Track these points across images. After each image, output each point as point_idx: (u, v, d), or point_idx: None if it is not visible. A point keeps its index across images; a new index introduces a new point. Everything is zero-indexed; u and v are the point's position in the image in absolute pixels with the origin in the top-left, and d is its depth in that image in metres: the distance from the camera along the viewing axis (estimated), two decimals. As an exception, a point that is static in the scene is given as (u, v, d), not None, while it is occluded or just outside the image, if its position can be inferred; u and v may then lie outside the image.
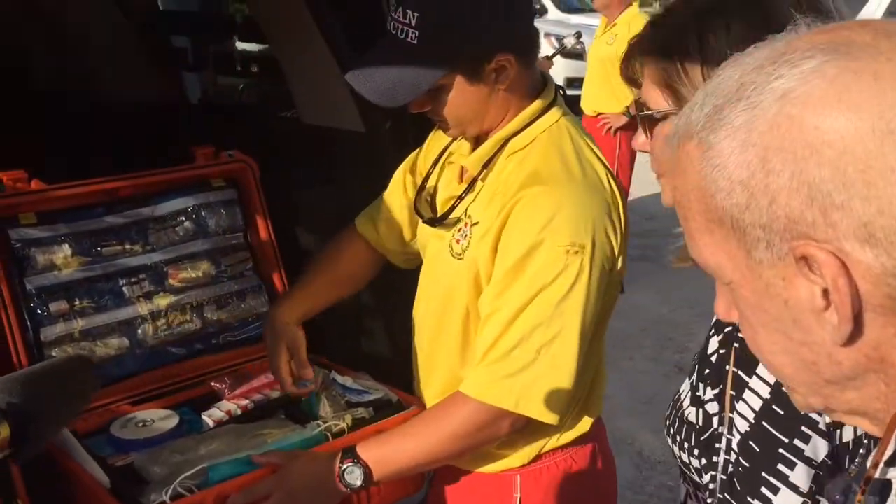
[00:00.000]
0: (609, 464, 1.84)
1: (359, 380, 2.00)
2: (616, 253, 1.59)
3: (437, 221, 1.69)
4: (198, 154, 2.23)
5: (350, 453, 1.60)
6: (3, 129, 2.22)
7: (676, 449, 1.26)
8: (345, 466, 1.59)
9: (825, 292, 0.68)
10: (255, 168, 2.24)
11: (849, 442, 1.05)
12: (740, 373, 1.11)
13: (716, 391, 1.16)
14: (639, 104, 1.21)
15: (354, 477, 1.58)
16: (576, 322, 1.53)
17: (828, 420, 1.04)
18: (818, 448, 1.06)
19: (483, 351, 1.58)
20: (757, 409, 1.08)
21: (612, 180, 1.63)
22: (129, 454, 1.77)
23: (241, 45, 2.97)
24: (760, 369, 1.09)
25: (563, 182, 1.55)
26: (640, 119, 1.22)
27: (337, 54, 2.14)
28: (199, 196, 2.20)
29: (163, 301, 2.11)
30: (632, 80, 1.25)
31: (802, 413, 1.04)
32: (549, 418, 1.55)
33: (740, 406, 1.10)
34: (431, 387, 1.80)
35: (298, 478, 1.61)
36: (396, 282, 2.30)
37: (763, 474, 1.08)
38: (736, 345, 1.14)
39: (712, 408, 1.16)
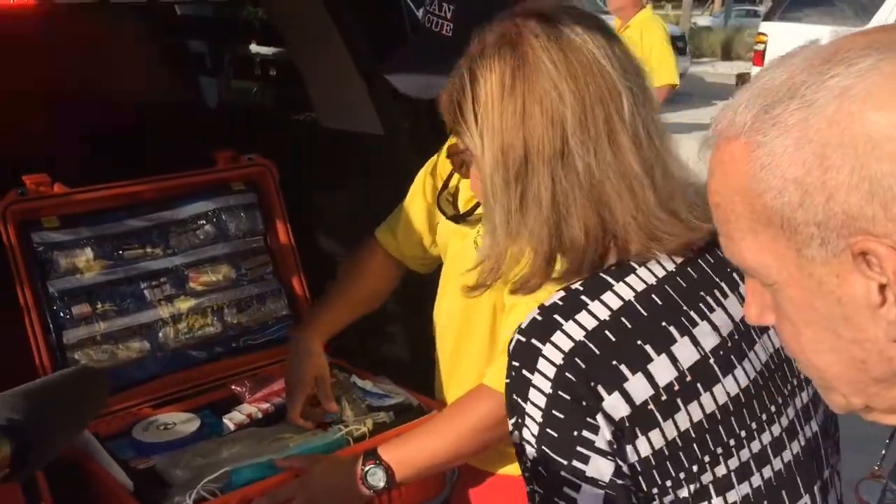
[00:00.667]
0: None
1: (379, 384, 2.00)
2: None
3: (461, 218, 1.69)
4: (218, 158, 2.24)
5: (372, 455, 1.60)
6: (25, 134, 2.23)
7: None
8: (367, 468, 1.59)
9: (882, 288, 0.68)
10: (274, 172, 2.24)
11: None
12: (518, 399, 1.07)
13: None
14: (451, 150, 1.27)
15: (377, 479, 1.58)
16: None
17: (608, 438, 1.02)
18: (601, 468, 1.03)
19: (506, 341, 1.57)
20: (536, 433, 1.05)
21: None
22: (151, 457, 1.77)
23: (253, 49, 2.98)
24: (532, 393, 1.05)
25: None
26: (454, 166, 1.28)
27: (356, 57, 2.14)
28: (219, 199, 2.21)
29: (184, 304, 2.11)
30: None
31: (575, 434, 1.02)
32: None
33: (524, 432, 1.07)
34: (456, 384, 1.79)
35: (321, 481, 1.61)
36: (415, 285, 2.30)
37: (555, 499, 1.05)
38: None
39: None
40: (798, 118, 0.71)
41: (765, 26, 11.79)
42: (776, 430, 1.12)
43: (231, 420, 1.90)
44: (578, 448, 1.03)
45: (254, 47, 2.78)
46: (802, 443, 1.15)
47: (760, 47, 11.55)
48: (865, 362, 0.73)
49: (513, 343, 1.08)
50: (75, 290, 1.98)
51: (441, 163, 1.90)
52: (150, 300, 2.08)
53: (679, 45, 13.88)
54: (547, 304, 1.09)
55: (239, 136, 2.41)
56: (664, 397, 1.04)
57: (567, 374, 1.02)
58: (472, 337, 1.72)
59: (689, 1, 28.10)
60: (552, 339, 1.05)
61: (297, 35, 2.32)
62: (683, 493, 1.05)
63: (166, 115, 2.55)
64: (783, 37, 11.03)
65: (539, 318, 1.08)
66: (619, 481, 1.04)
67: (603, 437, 1.02)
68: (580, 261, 1.12)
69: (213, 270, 2.17)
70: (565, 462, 1.03)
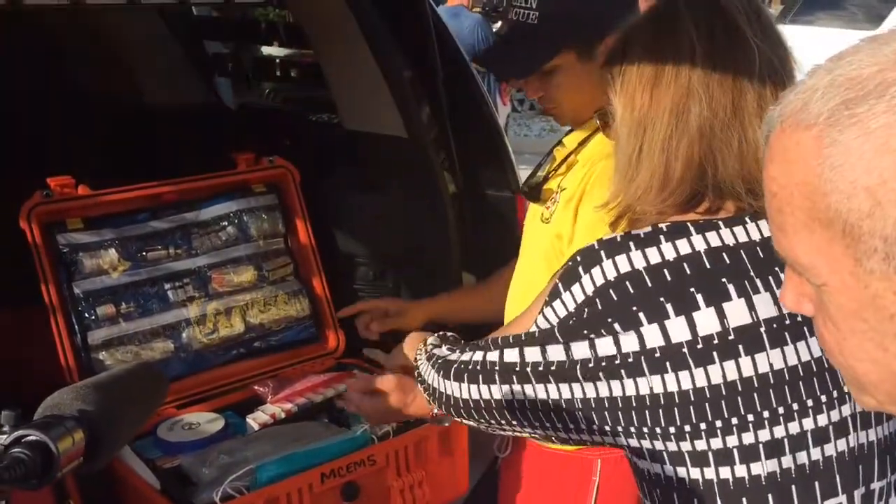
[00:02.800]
0: None
1: (401, 383, 2.01)
2: None
3: (532, 193, 1.75)
4: (239, 160, 2.25)
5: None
6: (49, 137, 2.25)
7: None
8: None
9: None
10: (295, 174, 2.26)
11: None
12: (560, 285, 1.18)
13: None
14: (600, 113, 1.34)
15: None
16: None
17: (621, 356, 1.09)
18: (590, 384, 1.12)
19: None
20: (550, 319, 1.18)
21: None
22: (177, 456, 1.79)
23: (266, 50, 2.99)
24: (575, 288, 1.14)
25: None
26: (601, 127, 1.35)
27: (380, 59, 2.16)
28: (241, 201, 2.23)
29: (207, 305, 2.13)
30: None
31: (591, 337, 1.10)
32: None
33: (548, 312, 1.20)
34: None
35: (390, 381, 1.64)
36: (436, 284, 2.31)
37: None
38: None
39: None
40: (883, 122, 0.65)
41: (775, 29, 11.75)
42: (822, 420, 1.11)
43: (255, 420, 1.92)
44: (583, 351, 1.11)
45: (276, 49, 2.79)
46: (852, 444, 1.14)
47: (771, 50, 11.50)
48: None
49: (586, 245, 1.17)
50: (100, 291, 2.00)
51: None
52: (173, 301, 2.09)
53: None
54: (633, 231, 1.16)
55: (260, 139, 2.43)
56: (700, 346, 1.07)
57: (611, 290, 1.10)
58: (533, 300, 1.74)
59: (698, 4, 28.04)
60: (617, 257, 1.12)
61: (321, 37, 2.33)
62: (702, 444, 1.07)
63: (188, 117, 2.56)
64: (794, 40, 10.95)
65: (619, 238, 1.15)
66: (594, 396, 1.11)
67: (610, 360, 1.09)
68: (674, 197, 1.17)
69: (236, 272, 2.18)
70: (565, 358, 1.13)
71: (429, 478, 1.84)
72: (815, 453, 1.11)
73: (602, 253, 1.13)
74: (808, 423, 1.10)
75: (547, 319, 1.17)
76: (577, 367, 1.11)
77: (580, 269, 1.14)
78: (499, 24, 6.03)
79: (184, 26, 2.68)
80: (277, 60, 2.81)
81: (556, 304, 1.15)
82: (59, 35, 2.25)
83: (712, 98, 1.16)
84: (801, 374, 1.10)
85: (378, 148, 2.27)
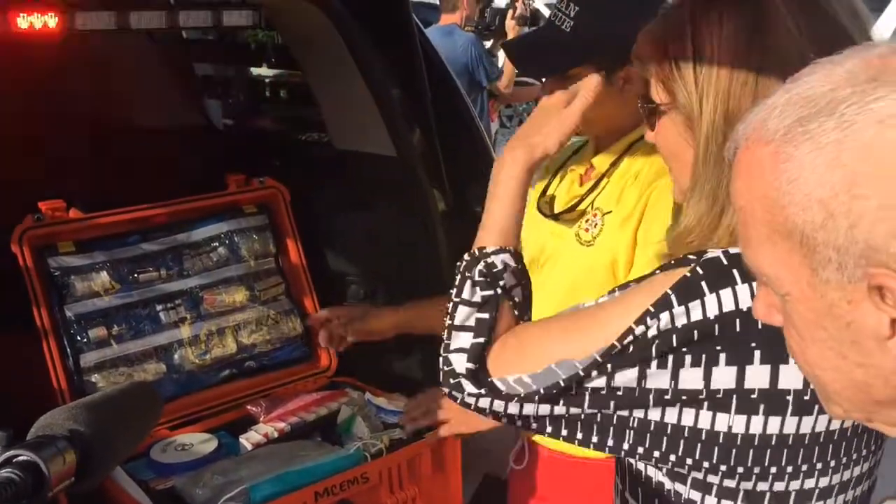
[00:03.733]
0: None
1: (393, 401, 2.02)
2: None
3: (562, 214, 1.74)
4: (230, 181, 2.27)
5: None
6: (40, 160, 2.26)
7: None
8: None
9: (893, 322, 0.67)
10: (285, 194, 2.27)
11: None
12: (647, 303, 1.05)
13: None
14: (643, 97, 1.18)
15: None
16: None
17: (698, 390, 1.02)
18: (657, 383, 1.03)
19: None
20: (621, 333, 1.04)
21: None
22: (171, 478, 1.79)
23: (255, 71, 3.00)
24: (663, 316, 1.01)
25: None
26: (642, 112, 1.18)
27: (368, 80, 2.18)
28: (231, 222, 2.24)
29: (199, 326, 2.14)
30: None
31: (669, 362, 1.01)
32: None
33: (607, 329, 1.07)
34: None
35: None
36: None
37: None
38: None
39: None
40: (833, 138, 0.68)
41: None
42: (847, 475, 1.11)
43: (248, 440, 1.92)
44: (657, 374, 1.02)
45: (265, 70, 2.81)
46: (857, 493, 1.15)
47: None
48: (869, 385, 0.72)
49: (689, 269, 1.03)
50: (92, 314, 2.01)
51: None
52: (165, 322, 2.10)
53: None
54: (734, 251, 1.02)
55: (250, 159, 2.44)
56: (807, 396, 1.01)
57: (738, 320, 0.99)
58: None
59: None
60: (720, 292, 1.00)
61: (309, 57, 2.35)
62: (747, 485, 1.06)
63: (179, 139, 2.58)
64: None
65: (724, 261, 1.02)
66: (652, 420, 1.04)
67: (684, 391, 1.01)
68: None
69: (227, 292, 2.19)
70: (633, 372, 1.03)
71: (422, 494, 1.84)
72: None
73: (736, 274, 1.00)
74: (847, 475, 1.11)
75: (646, 332, 1.02)
76: (652, 393, 1.03)
77: (704, 285, 1.01)
78: (491, 42, 6.06)
79: (174, 49, 2.71)
80: (267, 81, 2.83)
81: (664, 316, 1.01)
82: (49, 58, 2.26)
83: None
84: (836, 437, 1.09)
85: (368, 167, 2.29)
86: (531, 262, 1.85)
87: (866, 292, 0.68)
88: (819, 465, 1.07)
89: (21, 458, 0.81)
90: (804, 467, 1.06)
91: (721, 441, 1.04)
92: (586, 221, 1.71)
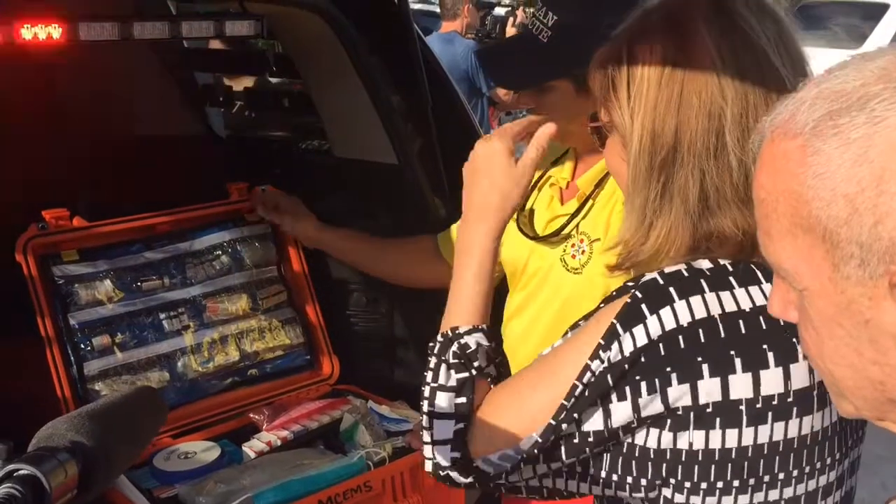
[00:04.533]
0: None
1: (396, 409, 2.03)
2: None
3: (548, 238, 1.71)
4: (232, 189, 2.28)
5: None
6: (44, 169, 2.27)
7: None
8: None
9: None
10: (288, 202, 2.27)
11: None
12: (600, 341, 1.07)
13: None
14: (591, 117, 1.22)
15: None
16: None
17: (655, 414, 1.03)
18: (622, 413, 1.05)
19: None
20: (587, 373, 1.07)
21: None
22: (174, 486, 1.79)
23: (266, 80, 3.01)
24: (613, 347, 1.04)
25: None
26: (590, 132, 1.21)
27: (369, 87, 2.19)
28: (234, 231, 2.25)
29: (201, 334, 2.14)
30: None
31: (628, 392, 1.03)
32: None
33: (569, 370, 1.09)
34: None
35: None
36: (426, 311, 2.32)
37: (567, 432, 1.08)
38: None
39: None
40: (862, 133, 0.67)
41: (761, 50, 11.88)
42: (822, 480, 1.11)
43: (251, 448, 1.93)
44: (620, 404, 1.04)
45: (266, 79, 2.82)
46: (843, 494, 1.16)
47: (757, 70, 11.62)
48: (884, 384, 0.72)
49: (629, 295, 1.06)
50: (95, 322, 2.01)
51: None
52: (168, 331, 2.11)
53: None
54: (668, 270, 1.07)
55: (252, 168, 2.45)
56: (759, 405, 1.03)
57: (681, 337, 1.02)
58: None
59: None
60: (690, 298, 1.03)
61: (310, 66, 2.36)
62: (712, 500, 1.06)
63: (181, 148, 2.59)
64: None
65: (661, 281, 1.05)
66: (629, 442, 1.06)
67: (644, 417, 1.03)
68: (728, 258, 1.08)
69: (230, 300, 2.20)
70: (597, 406, 1.04)
71: (424, 503, 1.85)
72: None
73: (672, 291, 1.04)
74: (812, 485, 1.11)
75: (602, 366, 1.04)
76: (620, 429, 1.05)
77: (645, 307, 1.03)
78: None
79: (175, 58, 2.71)
80: (268, 90, 2.84)
81: (614, 346, 1.03)
82: (51, 68, 2.27)
83: (745, 130, 1.05)
84: (819, 439, 1.10)
85: (368, 175, 2.29)
86: (510, 276, 1.84)
87: (887, 289, 0.68)
88: (781, 476, 1.07)
89: (21, 472, 0.80)
90: (766, 478, 1.06)
91: (684, 459, 1.05)
92: (572, 247, 1.69)
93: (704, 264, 1.07)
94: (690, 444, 1.04)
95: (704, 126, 1.06)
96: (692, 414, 1.03)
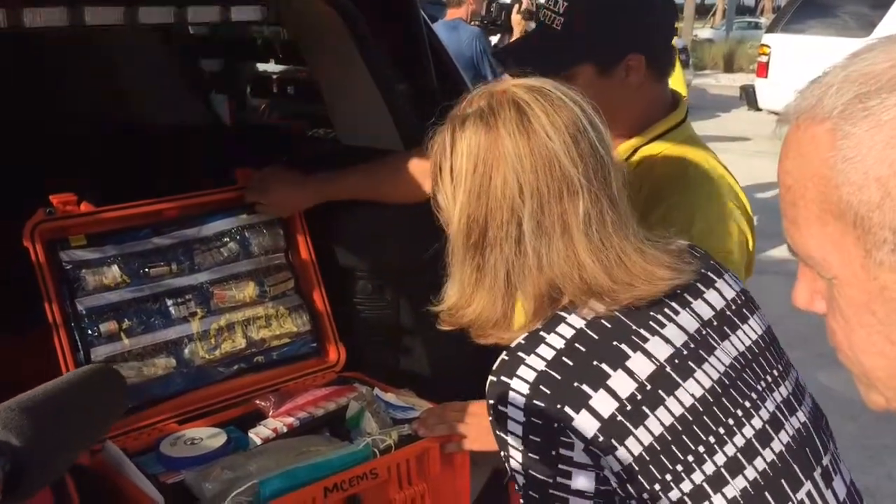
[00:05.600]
0: None
1: (402, 396, 2.03)
2: (748, 256, 1.67)
3: None
4: (239, 176, 2.27)
5: None
6: (50, 155, 2.27)
7: None
8: None
9: None
10: (295, 189, 2.27)
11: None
12: (500, 433, 1.18)
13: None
14: (433, 200, 1.33)
15: None
16: None
17: (584, 453, 1.10)
18: (584, 481, 1.12)
19: None
20: (520, 459, 1.15)
21: (740, 189, 1.71)
22: (180, 472, 1.80)
23: (262, 67, 3.01)
24: (511, 425, 1.14)
25: (700, 191, 1.63)
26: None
27: (376, 74, 2.18)
28: (241, 217, 2.25)
29: (208, 321, 2.14)
30: None
31: (553, 453, 1.11)
32: None
33: (511, 462, 1.17)
34: None
35: (484, 406, 1.72)
36: (435, 296, 2.32)
37: None
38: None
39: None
40: (894, 115, 0.67)
41: (768, 38, 11.84)
42: (757, 423, 1.17)
43: (257, 434, 1.93)
44: (560, 466, 1.11)
45: (272, 65, 2.82)
46: (791, 433, 1.20)
47: (764, 59, 11.59)
48: None
49: (488, 384, 1.18)
50: (103, 308, 2.01)
51: None
52: (175, 317, 2.10)
53: (682, 57, 13.96)
54: (512, 345, 1.19)
55: (259, 155, 2.45)
56: (629, 407, 1.11)
57: (535, 401, 1.12)
58: None
59: (691, 13, 28.23)
60: (518, 373, 1.14)
61: (316, 53, 2.36)
62: (675, 494, 1.10)
63: (188, 134, 2.58)
64: (786, 48, 11.08)
65: (506, 357, 1.18)
66: (605, 488, 1.11)
67: (579, 452, 1.10)
68: (531, 319, 1.21)
69: (237, 287, 2.20)
70: (550, 480, 1.12)
71: (431, 491, 1.85)
72: (768, 454, 1.16)
73: (520, 353, 1.16)
74: (749, 431, 1.16)
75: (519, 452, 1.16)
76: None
77: (504, 378, 1.15)
78: (497, 36, 6.07)
79: (181, 45, 2.71)
80: (274, 77, 2.84)
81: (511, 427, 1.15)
82: (57, 54, 2.27)
83: (539, 222, 1.18)
84: (720, 390, 1.16)
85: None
86: None
87: None
88: (711, 439, 1.13)
89: None
90: (700, 448, 1.12)
91: (637, 467, 1.11)
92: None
93: (520, 339, 1.19)
94: (630, 454, 1.10)
95: (507, 217, 1.19)
96: (609, 429, 1.10)
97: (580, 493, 1.12)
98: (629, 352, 1.15)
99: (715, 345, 1.21)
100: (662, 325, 1.19)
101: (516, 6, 6.00)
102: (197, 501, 1.71)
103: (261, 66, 2.83)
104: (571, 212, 1.17)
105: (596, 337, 1.16)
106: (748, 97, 12.04)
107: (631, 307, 1.18)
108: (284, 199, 2.19)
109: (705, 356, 1.19)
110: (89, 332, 1.98)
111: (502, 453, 1.19)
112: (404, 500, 1.82)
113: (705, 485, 1.11)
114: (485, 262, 1.22)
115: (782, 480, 1.15)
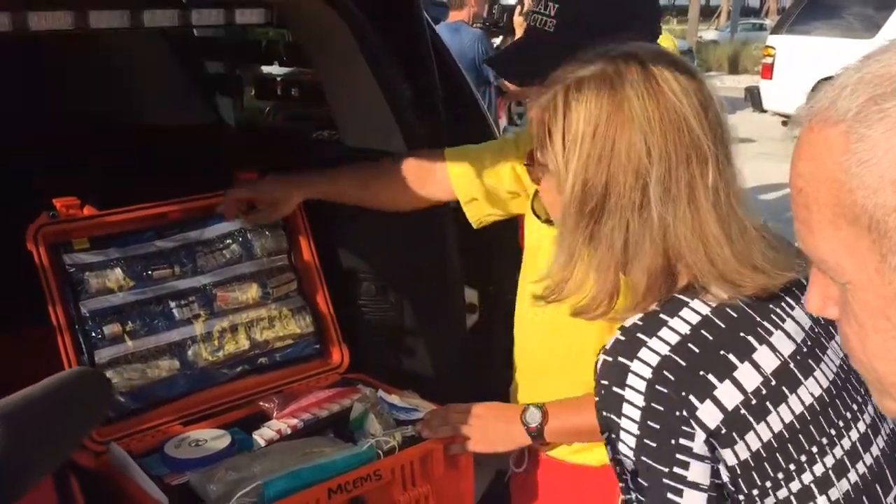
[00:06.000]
0: None
1: (406, 398, 2.03)
2: None
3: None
4: (242, 178, 2.27)
5: (535, 403, 1.76)
6: (53, 158, 2.27)
7: None
8: (528, 407, 1.75)
9: None
10: (298, 191, 2.27)
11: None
12: (611, 416, 1.13)
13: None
14: (528, 155, 1.30)
15: (534, 417, 1.73)
16: None
17: (704, 443, 1.07)
18: (701, 471, 1.08)
19: None
20: (633, 444, 1.10)
21: None
22: (185, 473, 1.80)
23: (266, 69, 3.02)
24: (626, 408, 1.10)
25: None
26: (526, 168, 1.30)
27: (379, 76, 2.18)
28: (244, 219, 2.24)
29: (212, 323, 2.14)
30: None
31: (673, 442, 1.06)
32: None
33: (621, 446, 1.12)
34: (546, 386, 1.84)
35: (488, 408, 1.80)
36: (437, 298, 2.33)
37: None
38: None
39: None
40: None
41: (773, 39, 11.84)
42: (861, 426, 1.14)
43: (261, 436, 1.93)
44: (678, 455, 1.07)
45: (276, 68, 2.82)
46: (885, 437, 1.17)
47: (769, 60, 11.59)
48: None
49: (599, 363, 1.13)
50: (106, 311, 2.02)
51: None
52: (178, 319, 2.11)
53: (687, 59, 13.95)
54: (627, 325, 1.14)
55: (262, 157, 2.45)
56: (754, 401, 1.08)
57: (658, 386, 1.07)
58: (570, 334, 1.75)
59: (696, 15, 28.21)
60: (639, 355, 1.09)
61: (320, 55, 2.36)
62: (783, 493, 1.08)
63: (191, 137, 2.59)
64: (791, 50, 11.08)
65: (623, 338, 1.12)
66: (718, 482, 1.08)
67: (700, 443, 1.06)
68: (641, 298, 1.16)
69: (240, 289, 2.20)
70: (666, 469, 1.07)
71: (434, 492, 1.85)
72: (868, 458, 1.14)
73: (640, 335, 1.11)
74: (854, 434, 1.14)
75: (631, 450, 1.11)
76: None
77: (623, 359, 1.10)
78: (500, 38, 6.07)
79: (185, 47, 2.72)
80: (278, 79, 2.84)
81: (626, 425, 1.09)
82: (61, 56, 2.27)
83: (667, 189, 1.13)
84: (834, 391, 1.14)
85: (379, 164, 2.29)
86: (530, 256, 1.87)
87: None
88: (804, 458, 1.09)
89: None
90: (791, 466, 1.09)
91: (741, 471, 1.08)
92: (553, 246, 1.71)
93: (635, 319, 1.14)
94: (748, 449, 1.07)
95: (631, 183, 1.14)
96: (732, 422, 1.06)
97: (695, 485, 1.07)
98: (756, 344, 1.11)
99: (826, 344, 1.18)
100: (783, 320, 1.15)
101: (518, 8, 6.00)
102: (201, 503, 1.71)
103: (265, 69, 2.83)
104: (699, 180, 1.13)
105: (722, 325, 1.11)
106: (753, 98, 12.03)
107: (753, 298, 1.13)
108: (275, 193, 2.16)
109: (820, 354, 1.16)
110: (93, 334, 1.98)
111: (608, 435, 1.13)
112: (408, 502, 1.82)
113: (813, 486, 1.09)
114: (600, 230, 1.16)
115: (877, 485, 1.13)
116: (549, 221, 1.74)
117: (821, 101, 0.73)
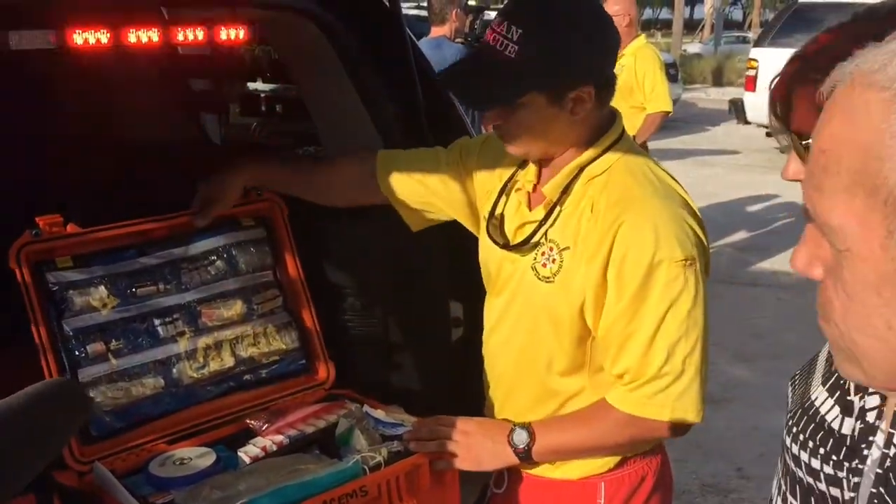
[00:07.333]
0: (670, 472, 1.91)
1: (392, 413, 2.02)
2: (707, 256, 1.69)
3: (519, 246, 1.74)
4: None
5: (521, 422, 1.77)
6: (36, 177, 2.26)
7: (805, 454, 1.19)
8: (515, 428, 1.76)
9: None
10: (283, 207, 2.28)
11: None
12: None
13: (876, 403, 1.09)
14: (795, 135, 1.21)
15: (521, 438, 1.74)
16: (704, 327, 1.63)
17: None
18: None
19: (630, 372, 1.65)
20: None
21: (684, 191, 1.72)
22: (170, 492, 1.79)
23: (251, 86, 3.03)
24: None
25: (653, 201, 1.63)
26: (800, 147, 1.18)
27: (360, 89, 2.19)
28: (229, 235, 2.24)
29: (196, 340, 2.14)
30: (780, 118, 1.26)
31: None
32: (698, 418, 1.65)
33: None
34: (517, 401, 1.85)
35: (476, 429, 1.80)
36: (424, 312, 2.33)
37: None
38: None
39: (871, 417, 1.10)
40: None
41: (755, 52, 11.93)
42: None
43: (246, 454, 1.92)
44: None
45: (260, 84, 2.83)
46: None
47: (752, 73, 11.67)
48: None
49: None
50: (90, 329, 2.01)
51: (475, 162, 1.93)
52: (163, 336, 2.10)
53: (671, 72, 14.03)
54: None
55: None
56: None
57: None
58: (536, 352, 1.77)
59: (679, 28, 28.43)
60: None
61: (303, 72, 2.37)
62: None
63: (176, 154, 2.59)
64: (774, 62, 11.15)
65: None
66: None
67: None
68: None
69: (225, 306, 2.19)
70: None
71: (421, 507, 1.84)
72: None
73: None
74: None
75: None
76: None
77: None
78: None
79: (169, 65, 2.72)
80: (262, 96, 2.85)
81: None
82: (44, 75, 2.27)
83: None
84: None
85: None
86: (487, 279, 1.87)
87: None
88: None
89: None
90: None
91: None
92: (542, 255, 1.70)
93: None
94: None
95: None
96: None
97: None
98: None
99: None
100: None
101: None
102: (186, 522, 1.70)
103: (250, 85, 2.84)
104: None
105: None
106: (737, 111, 12.11)
107: None
108: (219, 182, 2.15)
109: None
110: (76, 352, 1.97)
111: None
112: (394, 517, 1.81)
113: None
114: None
115: None
116: (511, 247, 1.75)
117: (869, 63, 0.69)
